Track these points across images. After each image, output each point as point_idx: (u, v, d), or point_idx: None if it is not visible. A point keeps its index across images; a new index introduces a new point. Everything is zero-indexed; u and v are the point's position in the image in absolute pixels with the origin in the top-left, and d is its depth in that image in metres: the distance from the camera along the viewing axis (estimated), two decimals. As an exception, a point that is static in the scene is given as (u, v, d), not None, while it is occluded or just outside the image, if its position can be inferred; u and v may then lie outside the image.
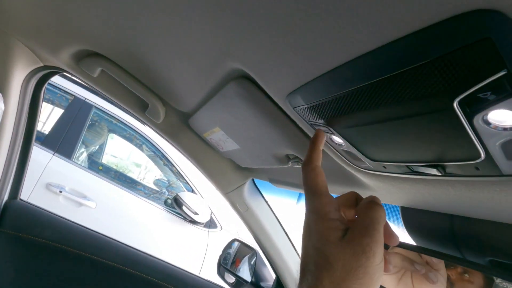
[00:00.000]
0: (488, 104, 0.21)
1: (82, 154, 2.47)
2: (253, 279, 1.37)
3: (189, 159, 1.03)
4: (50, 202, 1.88)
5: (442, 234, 0.46)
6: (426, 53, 0.22)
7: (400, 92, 0.26)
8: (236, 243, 1.65)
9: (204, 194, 2.48)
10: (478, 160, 0.26)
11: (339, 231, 0.28)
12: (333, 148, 0.43)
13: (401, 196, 0.46)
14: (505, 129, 0.22)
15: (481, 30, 0.18)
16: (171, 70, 0.61)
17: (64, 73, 0.91)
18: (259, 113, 0.49)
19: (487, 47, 0.18)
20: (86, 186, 2.04)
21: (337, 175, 0.52)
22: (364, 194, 0.54)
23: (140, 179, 3.28)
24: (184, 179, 2.65)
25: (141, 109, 0.83)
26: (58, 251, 1.01)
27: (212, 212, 2.40)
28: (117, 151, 3.50)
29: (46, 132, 2.15)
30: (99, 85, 0.78)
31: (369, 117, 0.31)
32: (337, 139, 0.39)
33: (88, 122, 2.32)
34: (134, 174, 3.64)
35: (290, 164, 0.60)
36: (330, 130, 0.38)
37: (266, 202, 1.07)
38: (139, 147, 2.99)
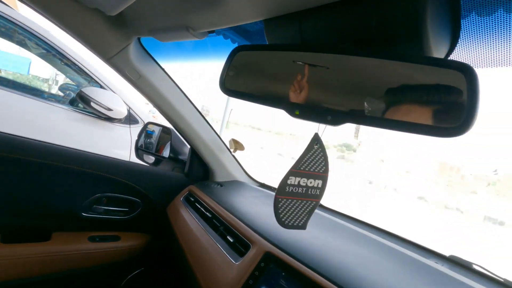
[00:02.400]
0: None
1: None
2: (171, 155, 1.42)
3: (52, 22, 0.83)
4: None
5: (293, 35, 0.46)
6: None
7: None
8: (155, 129, 1.62)
9: (117, 90, 2.26)
10: None
11: None
12: None
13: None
14: None
15: None
16: None
17: None
18: None
19: None
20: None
21: None
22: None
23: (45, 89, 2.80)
24: (91, 77, 2.32)
25: None
26: None
27: (129, 107, 2.25)
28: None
29: None
30: None
31: None
32: None
33: None
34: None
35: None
36: None
37: (160, 66, 0.98)
38: (23, 44, 2.41)
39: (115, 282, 1.25)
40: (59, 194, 1.06)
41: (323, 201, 1.28)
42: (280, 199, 0.50)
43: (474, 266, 0.86)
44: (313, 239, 0.85)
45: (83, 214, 1.10)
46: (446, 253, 0.94)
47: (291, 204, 0.51)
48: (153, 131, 1.65)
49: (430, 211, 9.26)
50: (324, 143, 0.50)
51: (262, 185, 1.45)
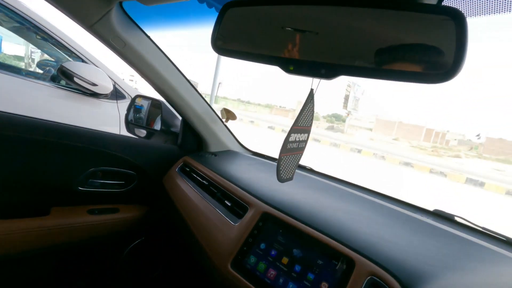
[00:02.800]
0: None
1: None
2: (162, 127, 1.41)
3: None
4: None
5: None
6: None
7: None
8: (143, 103, 1.59)
9: (100, 65, 2.17)
10: None
11: None
12: None
13: None
14: None
15: None
16: None
17: None
18: None
19: None
20: None
21: None
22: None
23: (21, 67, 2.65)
24: (71, 51, 2.20)
25: None
26: None
27: (115, 82, 2.18)
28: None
29: None
30: None
31: None
32: None
33: None
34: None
35: None
36: None
37: (146, 34, 0.95)
38: (-7, 18, 2.24)
39: (117, 252, 1.29)
40: (54, 170, 1.06)
41: (314, 167, 1.31)
42: (282, 157, 0.53)
43: (456, 218, 0.93)
44: (307, 199, 0.89)
45: (80, 188, 1.11)
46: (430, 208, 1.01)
47: (287, 160, 0.54)
48: (141, 106, 1.62)
49: (415, 176, 9.66)
50: (314, 114, 0.52)
51: (255, 154, 1.48)
